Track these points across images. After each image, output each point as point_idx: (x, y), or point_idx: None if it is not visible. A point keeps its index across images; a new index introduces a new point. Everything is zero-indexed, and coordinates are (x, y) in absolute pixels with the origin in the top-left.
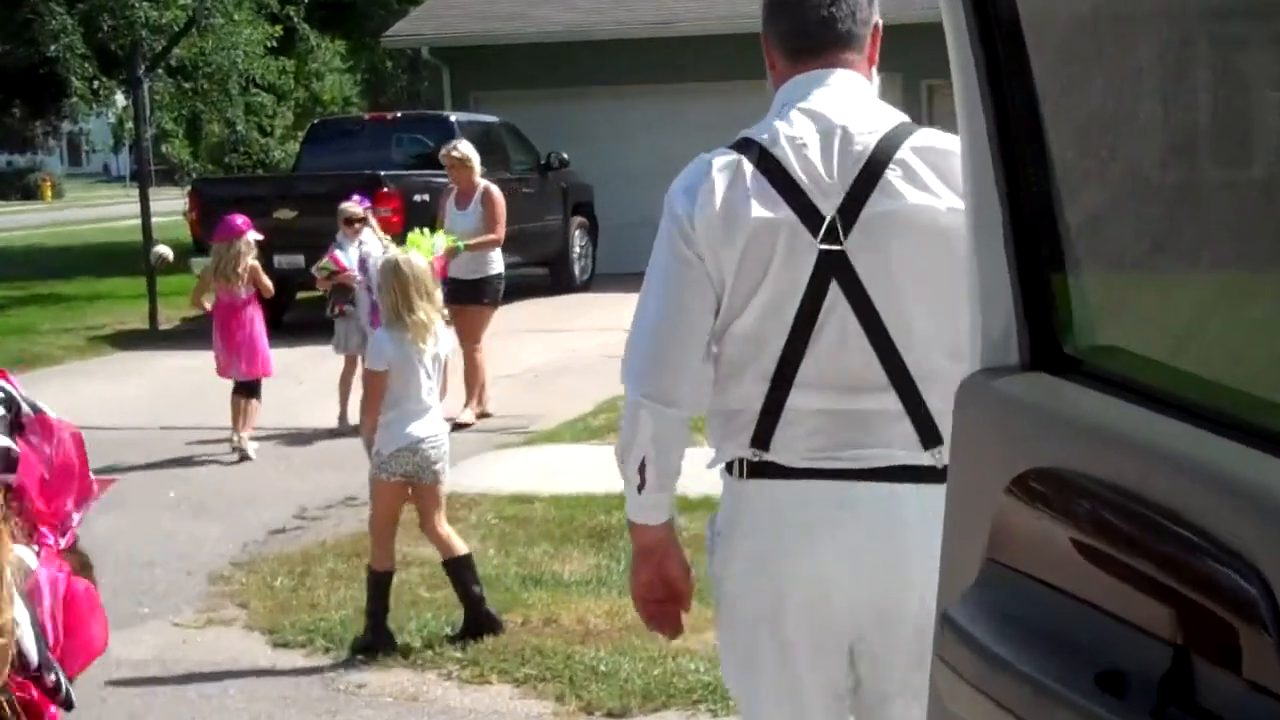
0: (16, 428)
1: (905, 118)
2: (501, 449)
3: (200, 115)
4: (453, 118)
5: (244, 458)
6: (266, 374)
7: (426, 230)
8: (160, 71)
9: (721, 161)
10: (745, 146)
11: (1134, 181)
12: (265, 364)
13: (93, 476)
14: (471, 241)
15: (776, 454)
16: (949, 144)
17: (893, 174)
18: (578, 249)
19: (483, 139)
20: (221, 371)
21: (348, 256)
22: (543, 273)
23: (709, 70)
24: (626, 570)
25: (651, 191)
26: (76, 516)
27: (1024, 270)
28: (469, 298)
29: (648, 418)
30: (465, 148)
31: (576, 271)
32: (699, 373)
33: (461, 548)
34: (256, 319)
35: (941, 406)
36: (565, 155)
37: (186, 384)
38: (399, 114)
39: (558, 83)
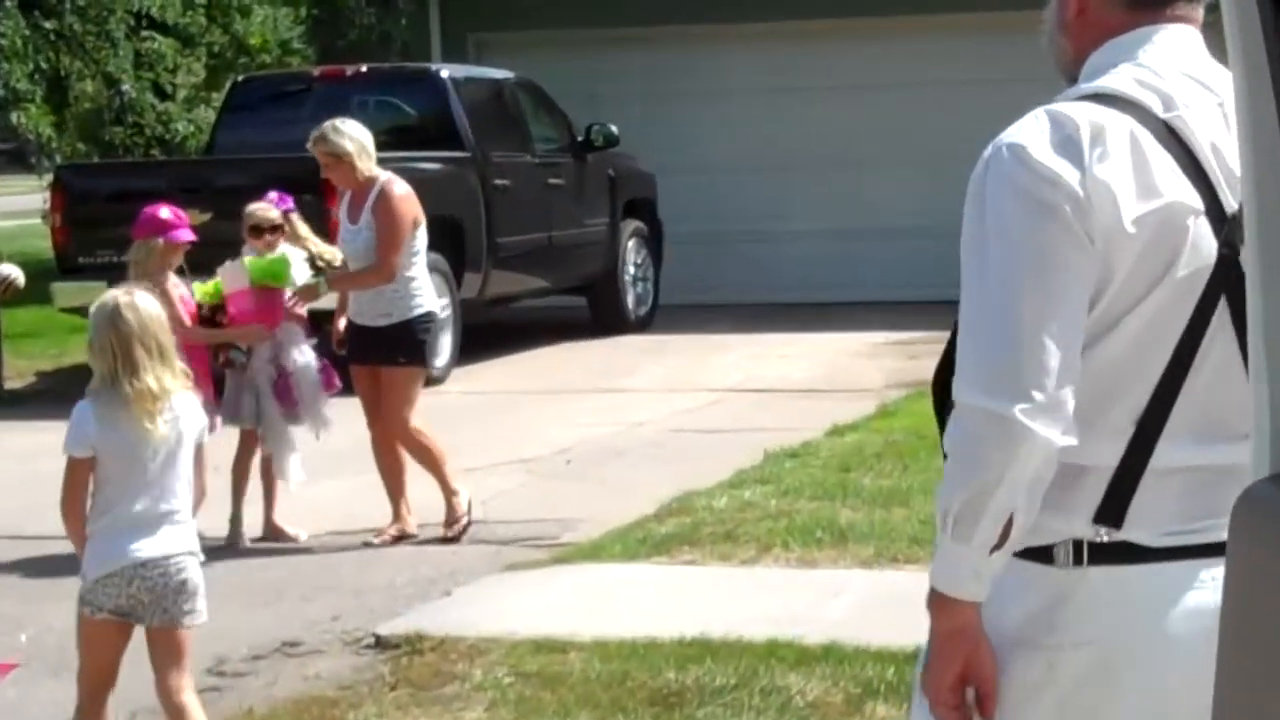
0: None
1: None
2: (517, 570)
3: (67, 70)
4: (444, 72)
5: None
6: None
7: (285, 254)
8: (8, 5)
9: (1111, 118)
10: (1127, 107)
11: None
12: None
13: None
14: (339, 277)
15: (1131, 531)
16: None
17: None
18: (632, 269)
19: (490, 105)
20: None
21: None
22: (580, 304)
23: (838, 4)
24: None
25: (748, 186)
26: None
27: None
28: (378, 353)
29: (1028, 447)
30: (336, 134)
31: (631, 302)
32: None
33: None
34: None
35: None
36: (614, 128)
37: (46, 473)
38: (362, 68)
39: (601, 20)
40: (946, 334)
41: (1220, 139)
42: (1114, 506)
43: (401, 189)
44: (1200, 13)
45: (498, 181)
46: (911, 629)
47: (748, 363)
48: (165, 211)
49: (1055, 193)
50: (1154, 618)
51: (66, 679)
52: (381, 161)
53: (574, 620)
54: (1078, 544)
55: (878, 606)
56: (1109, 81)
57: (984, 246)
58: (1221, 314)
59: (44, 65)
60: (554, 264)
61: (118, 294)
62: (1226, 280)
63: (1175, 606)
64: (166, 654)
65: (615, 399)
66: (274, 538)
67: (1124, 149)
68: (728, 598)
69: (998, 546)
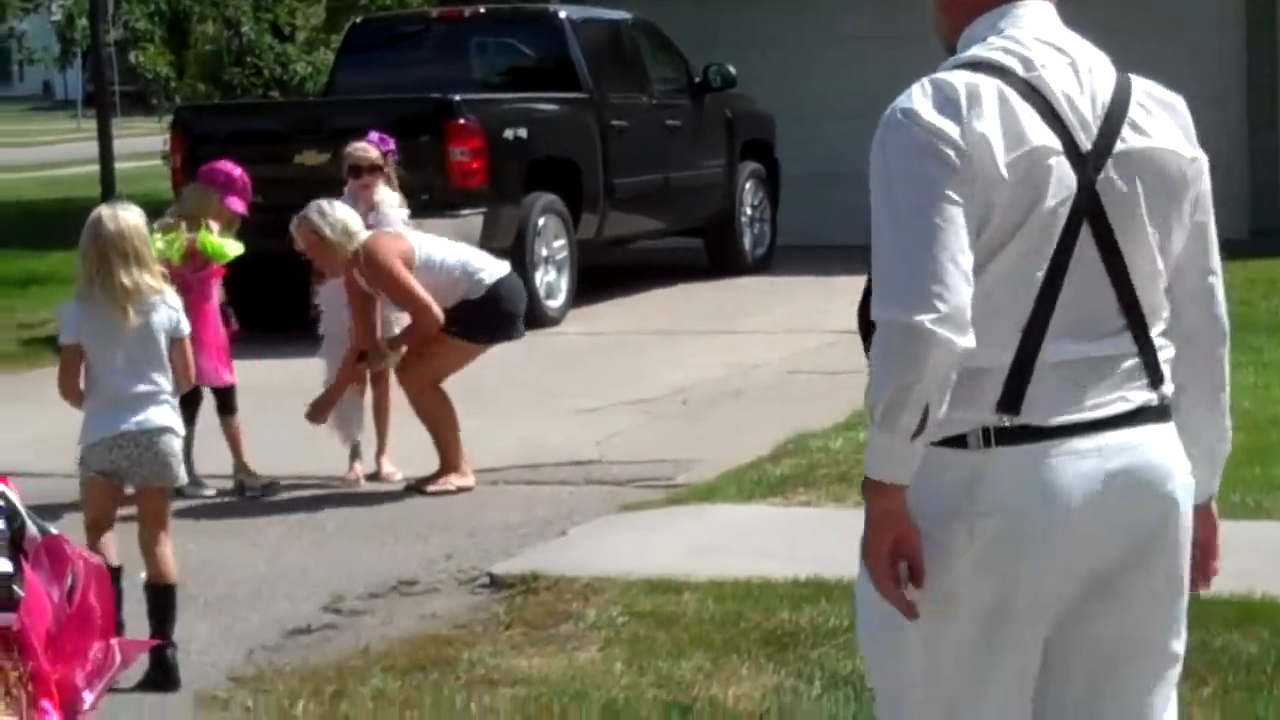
0: (17, 550)
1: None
2: (631, 510)
3: (188, 12)
4: (562, 13)
5: (260, 491)
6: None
7: (159, 239)
8: None
9: (983, 81)
10: (995, 70)
11: None
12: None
13: (117, 638)
14: (397, 340)
15: (1028, 416)
16: (1171, 96)
17: (1136, 113)
18: (750, 210)
19: (607, 46)
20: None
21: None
22: (696, 246)
23: None
24: (820, 696)
25: (862, 129)
26: (89, 697)
27: None
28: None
29: (938, 351)
30: (320, 217)
31: (748, 244)
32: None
33: (172, 577)
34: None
35: (1162, 343)
36: (732, 69)
37: None
38: (480, 10)
39: None
40: None
41: (1073, 91)
42: (1011, 397)
43: (373, 246)
44: None
45: (615, 123)
46: None
47: None
48: (238, 172)
49: (941, 145)
50: (1052, 484)
51: (186, 616)
52: (498, 103)
53: (688, 561)
54: (985, 430)
55: None
56: (980, 51)
57: (889, 191)
58: (1085, 234)
59: (164, 6)
60: (671, 205)
61: (103, 208)
62: (1088, 206)
63: (1069, 473)
64: (147, 511)
65: (731, 340)
66: (381, 479)
67: (994, 106)
68: (842, 539)
69: (917, 433)
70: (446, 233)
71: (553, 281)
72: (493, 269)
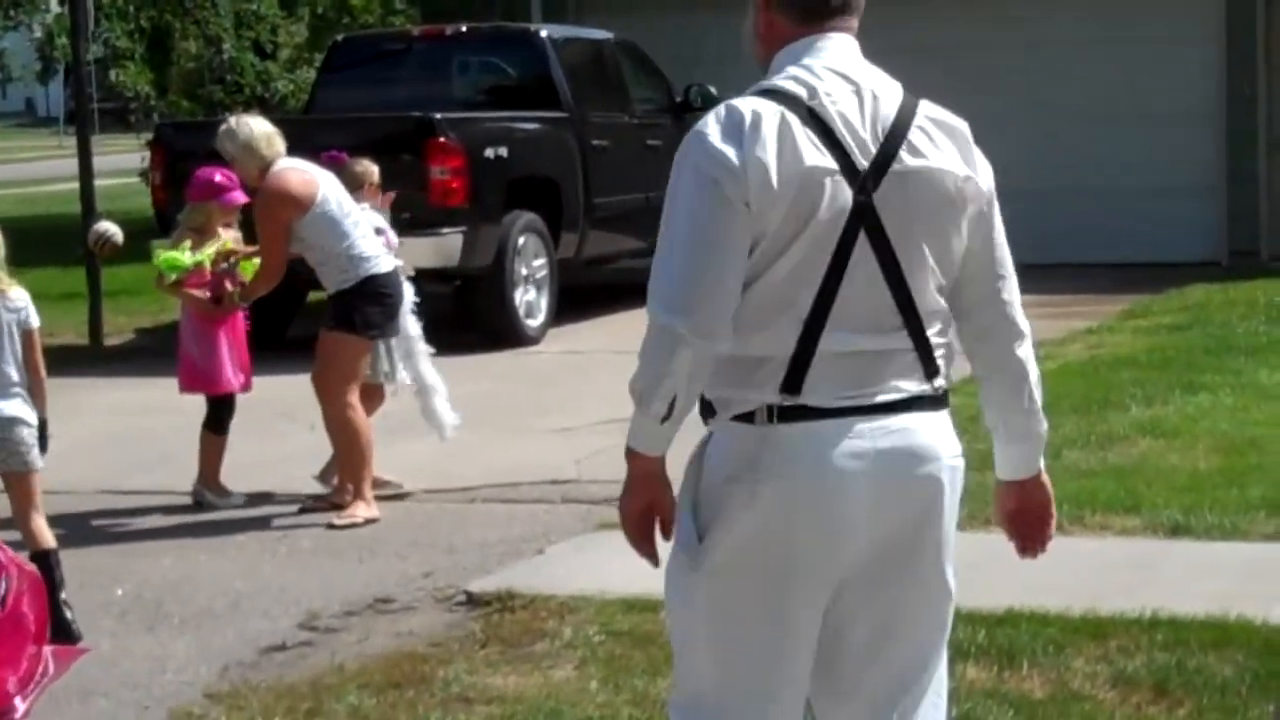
0: None
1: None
2: (609, 529)
3: (169, 28)
4: (544, 32)
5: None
6: (247, 388)
7: (187, 248)
8: None
9: (768, 108)
10: (782, 98)
11: None
12: (247, 378)
13: (49, 647)
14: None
15: (808, 398)
16: (956, 120)
17: (915, 136)
18: None
19: (589, 65)
20: (189, 383)
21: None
22: None
23: None
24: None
25: None
26: (20, 705)
27: None
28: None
29: (688, 352)
30: (224, 135)
31: None
32: (733, 310)
33: (47, 543)
34: (239, 318)
35: (939, 340)
36: (713, 89)
37: (142, 428)
38: (462, 28)
39: None
40: (1038, 295)
41: (853, 116)
42: (793, 381)
43: (277, 179)
44: (854, 23)
45: (596, 142)
46: (1003, 591)
47: None
48: (219, 176)
49: (720, 169)
50: (826, 456)
51: (162, 632)
52: (479, 121)
53: (664, 580)
54: (769, 408)
55: (968, 569)
56: (775, 79)
57: (674, 205)
58: (863, 242)
59: (144, 24)
60: (651, 225)
61: None
62: (864, 219)
63: (842, 448)
64: (13, 494)
65: None
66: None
67: (774, 130)
68: None
69: (667, 417)
70: (426, 251)
71: (532, 300)
72: (380, 263)
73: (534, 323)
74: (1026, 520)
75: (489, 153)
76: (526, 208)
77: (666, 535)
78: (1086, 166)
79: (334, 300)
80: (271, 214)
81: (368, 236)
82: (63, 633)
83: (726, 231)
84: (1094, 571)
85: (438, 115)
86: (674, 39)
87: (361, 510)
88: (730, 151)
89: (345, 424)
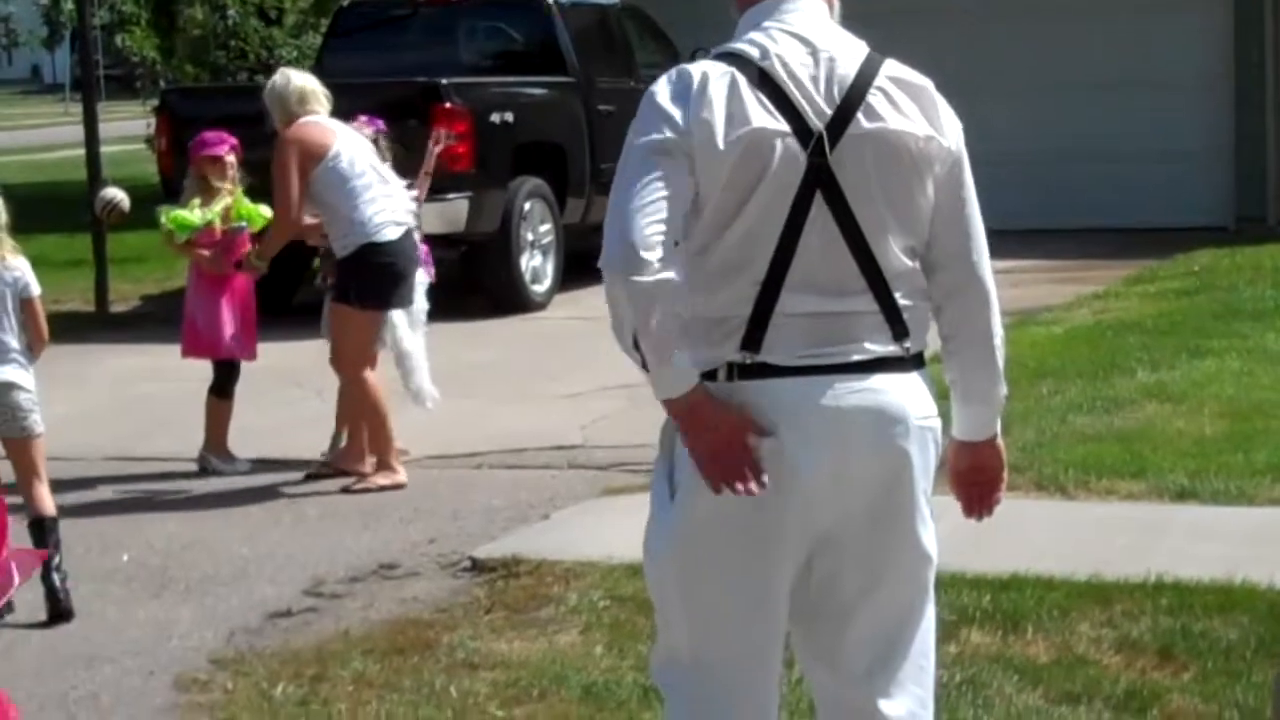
0: None
1: (867, 46)
2: (614, 495)
3: None
4: None
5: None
6: (251, 357)
7: (196, 206)
8: None
9: (717, 70)
10: (734, 60)
11: None
12: (252, 345)
13: (8, 550)
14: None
15: (768, 355)
16: (920, 79)
17: (874, 98)
18: None
19: (595, 30)
20: (191, 347)
21: None
22: None
23: None
24: (799, 680)
25: None
26: None
27: None
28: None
29: (660, 298)
30: (269, 83)
31: None
32: (670, 241)
33: (47, 510)
34: (248, 283)
35: (906, 303)
36: None
37: (148, 395)
38: None
39: None
40: (1045, 261)
41: (805, 78)
42: (752, 340)
43: (293, 131)
44: None
45: (602, 107)
46: (1008, 556)
47: None
48: (209, 134)
49: (665, 128)
50: (789, 415)
51: (168, 599)
52: (484, 86)
53: None
54: (730, 365)
55: (973, 533)
56: (733, 43)
57: (623, 163)
58: (819, 204)
59: None
60: None
61: None
62: (820, 180)
63: (804, 408)
64: (15, 459)
65: None
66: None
67: (721, 92)
68: None
69: (663, 358)
70: (432, 217)
71: (538, 266)
72: (386, 231)
73: (540, 288)
74: (976, 481)
75: (495, 118)
76: (532, 173)
77: (748, 443)
78: (1094, 131)
79: (338, 268)
80: (281, 160)
81: (377, 202)
82: (51, 599)
83: (670, 187)
84: (1099, 536)
85: (443, 80)
86: (680, 4)
87: (381, 478)
88: (677, 112)
89: (359, 399)
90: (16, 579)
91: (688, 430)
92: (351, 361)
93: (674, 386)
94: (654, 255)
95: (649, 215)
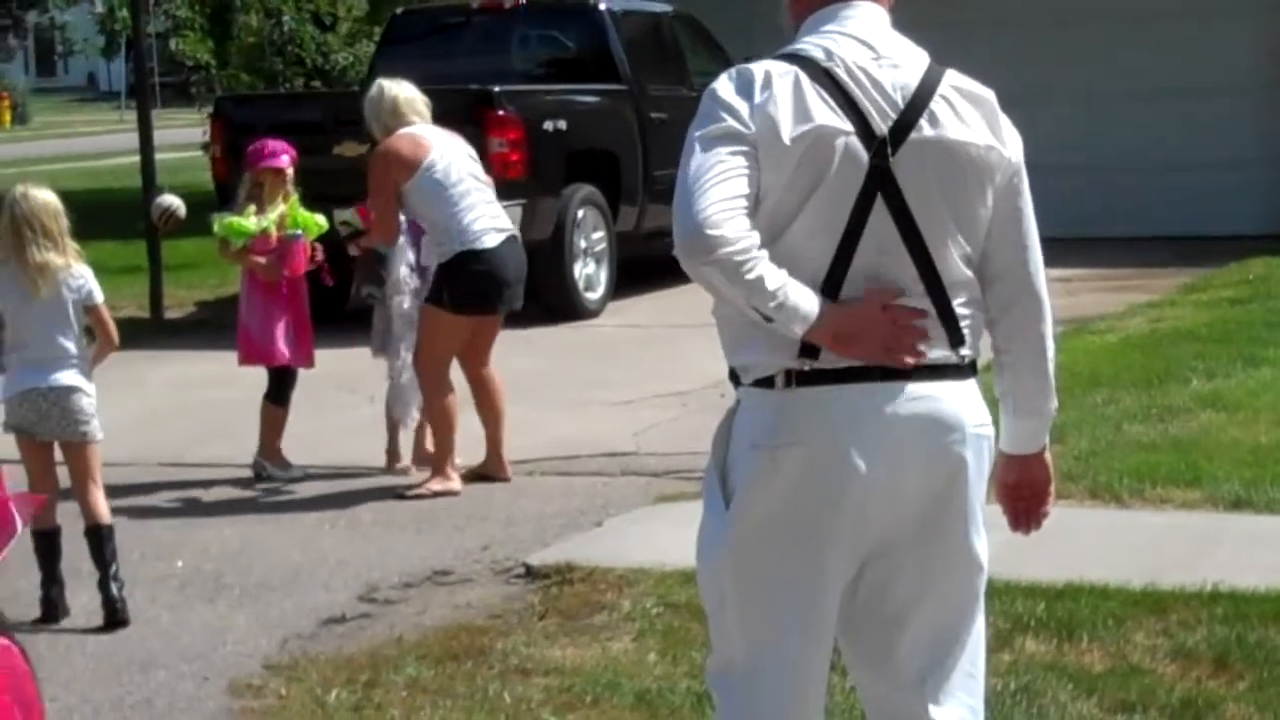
0: None
1: (928, 55)
2: (667, 502)
3: (230, 2)
4: (603, 5)
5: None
6: (308, 364)
7: (252, 213)
8: None
9: (780, 68)
10: (797, 60)
11: None
12: (309, 352)
13: (9, 493)
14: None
15: (826, 361)
16: (982, 90)
17: (937, 105)
18: None
19: (648, 38)
20: (246, 355)
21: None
22: None
23: None
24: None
25: None
26: None
27: None
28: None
29: (746, 264)
30: (371, 90)
31: None
32: (743, 211)
33: (104, 518)
34: (302, 291)
35: (965, 311)
36: None
37: (202, 401)
38: (521, 1)
39: None
40: (1099, 269)
41: (869, 82)
42: (811, 345)
43: (388, 143)
44: None
45: (654, 115)
46: (1062, 564)
47: None
48: (269, 143)
49: (730, 119)
50: (845, 424)
51: (221, 604)
52: (538, 94)
53: None
54: (789, 373)
55: (1027, 542)
56: (796, 46)
57: (689, 154)
58: (880, 207)
59: None
60: None
61: (18, 187)
62: (881, 184)
63: (861, 416)
64: (71, 465)
65: None
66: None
67: (786, 89)
68: None
69: (779, 307)
70: None
71: (591, 274)
72: (485, 239)
73: (593, 296)
74: (1024, 495)
75: (548, 125)
76: (585, 180)
77: (897, 318)
78: (1143, 140)
79: (435, 273)
80: (376, 173)
81: (476, 209)
82: (107, 606)
83: (732, 157)
84: (1154, 545)
85: (497, 88)
86: (731, 12)
87: (435, 484)
88: (742, 106)
89: (430, 400)
90: (19, 523)
91: (844, 350)
92: (427, 360)
93: (804, 320)
94: (728, 230)
95: (719, 192)
